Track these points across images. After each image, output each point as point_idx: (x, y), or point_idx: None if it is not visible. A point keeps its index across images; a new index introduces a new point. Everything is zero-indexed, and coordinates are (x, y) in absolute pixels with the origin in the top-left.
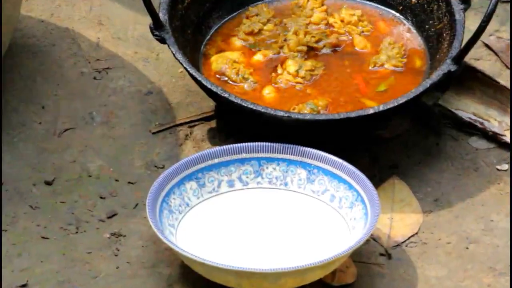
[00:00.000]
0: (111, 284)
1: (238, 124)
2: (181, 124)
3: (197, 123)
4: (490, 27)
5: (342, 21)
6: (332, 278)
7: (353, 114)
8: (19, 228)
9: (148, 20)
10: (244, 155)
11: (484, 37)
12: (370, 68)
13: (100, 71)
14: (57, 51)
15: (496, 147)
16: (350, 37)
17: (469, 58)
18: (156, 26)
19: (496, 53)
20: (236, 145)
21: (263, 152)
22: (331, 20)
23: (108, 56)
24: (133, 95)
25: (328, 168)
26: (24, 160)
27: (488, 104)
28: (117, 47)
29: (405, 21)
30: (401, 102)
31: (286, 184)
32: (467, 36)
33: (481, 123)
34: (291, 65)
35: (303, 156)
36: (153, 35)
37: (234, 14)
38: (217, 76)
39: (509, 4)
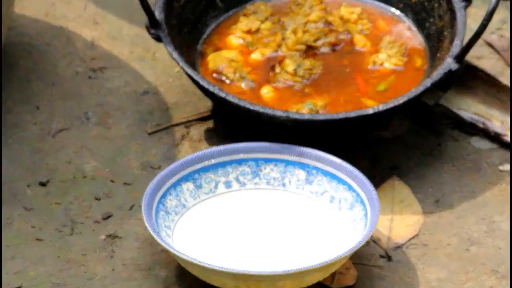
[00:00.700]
0: (106, 286)
1: (235, 124)
2: (177, 124)
3: (193, 123)
4: (492, 25)
5: (341, 19)
6: (332, 281)
7: (352, 114)
8: (13, 230)
9: (144, 18)
10: (241, 156)
11: (486, 35)
12: (369, 67)
13: (96, 71)
14: (52, 50)
15: (498, 148)
16: (350, 36)
17: (470, 57)
18: (152, 25)
19: (498, 52)
20: (233, 145)
21: (260, 153)
22: (330, 18)
23: (104, 55)
24: (129, 95)
25: (327, 169)
26: (19, 161)
27: (490, 103)
28: (113, 46)
29: (405, 19)
30: (401, 101)
31: (284, 185)
32: (468, 35)
33: (483, 123)
34: (289, 64)
35: (301, 157)
36: (149, 33)
37: (231, 12)
38: (214, 75)
39: (509, 2)
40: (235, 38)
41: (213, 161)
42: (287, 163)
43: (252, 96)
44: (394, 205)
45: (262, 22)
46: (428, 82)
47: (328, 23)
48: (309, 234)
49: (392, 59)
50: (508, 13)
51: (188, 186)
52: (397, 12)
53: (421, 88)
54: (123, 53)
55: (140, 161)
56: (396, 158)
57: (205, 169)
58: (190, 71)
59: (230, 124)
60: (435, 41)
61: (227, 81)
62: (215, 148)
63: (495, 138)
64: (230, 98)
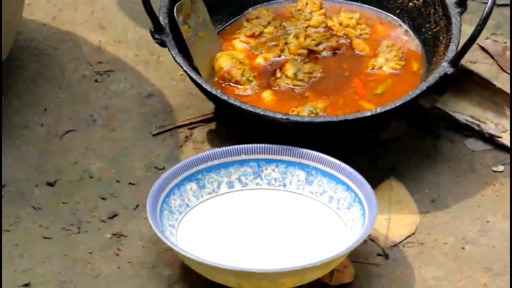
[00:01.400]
0: (112, 284)
1: (238, 126)
2: (181, 126)
3: (197, 125)
4: (486, 31)
5: (340, 24)
6: (330, 278)
7: (350, 117)
8: (21, 229)
9: (148, 23)
10: (243, 157)
11: (480, 41)
12: (368, 70)
13: (102, 74)
14: (59, 54)
15: (492, 149)
16: (349, 40)
17: (465, 61)
18: (157, 30)
19: (492, 56)
20: (236, 146)
21: (262, 154)
22: (329, 23)
23: (109, 59)
24: (134, 97)
25: (326, 170)
26: (26, 161)
27: (485, 106)
28: (118, 50)
29: (402, 24)
30: (398, 104)
31: (284, 185)
32: (463, 40)
33: (478, 125)
34: (289, 69)
35: (301, 158)
36: (154, 38)
37: (233, 19)
38: (220, 74)
39: (504, 7)
40: (239, 43)
41: (216, 162)
42: (288, 164)
43: (254, 99)
44: (391, 205)
45: (265, 26)
46: (424, 86)
47: (328, 28)
48: (309, 233)
49: (390, 63)
50: (502, 19)
51: (192, 186)
52: (395, 17)
53: (417, 92)
54: (128, 56)
55: (145, 162)
56: (394, 159)
57: (208, 170)
58: (193, 74)
59: (232, 126)
60: (431, 46)
61: (232, 84)
62: (217, 149)
63: (489, 139)
64: (232, 101)
